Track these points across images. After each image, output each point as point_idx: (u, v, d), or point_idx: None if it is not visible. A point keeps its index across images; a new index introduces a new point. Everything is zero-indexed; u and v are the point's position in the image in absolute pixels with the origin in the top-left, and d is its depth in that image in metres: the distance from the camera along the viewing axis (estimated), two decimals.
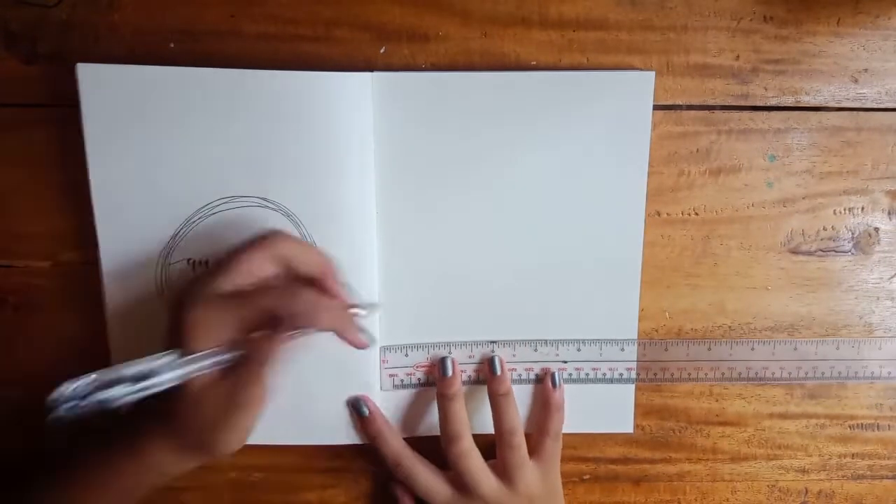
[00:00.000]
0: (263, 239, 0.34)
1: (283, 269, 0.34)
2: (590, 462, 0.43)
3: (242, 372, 0.33)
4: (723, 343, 0.42)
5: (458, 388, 0.40)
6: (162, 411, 0.33)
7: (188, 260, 0.38)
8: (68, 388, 0.25)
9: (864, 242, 0.42)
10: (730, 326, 0.42)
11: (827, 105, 0.40)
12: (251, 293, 0.33)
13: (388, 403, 0.41)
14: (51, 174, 0.39)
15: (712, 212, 0.41)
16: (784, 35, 0.40)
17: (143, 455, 0.33)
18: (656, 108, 0.39)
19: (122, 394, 0.26)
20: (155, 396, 0.31)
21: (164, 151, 0.37)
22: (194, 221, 0.38)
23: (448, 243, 0.40)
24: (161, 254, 0.38)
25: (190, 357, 0.31)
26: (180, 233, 0.38)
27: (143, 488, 0.35)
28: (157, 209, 0.38)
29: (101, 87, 0.36)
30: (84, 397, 0.25)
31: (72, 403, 0.25)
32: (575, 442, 0.43)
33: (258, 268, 0.34)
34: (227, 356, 0.33)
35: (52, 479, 0.34)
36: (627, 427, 0.42)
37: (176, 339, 0.32)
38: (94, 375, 0.26)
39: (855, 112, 0.40)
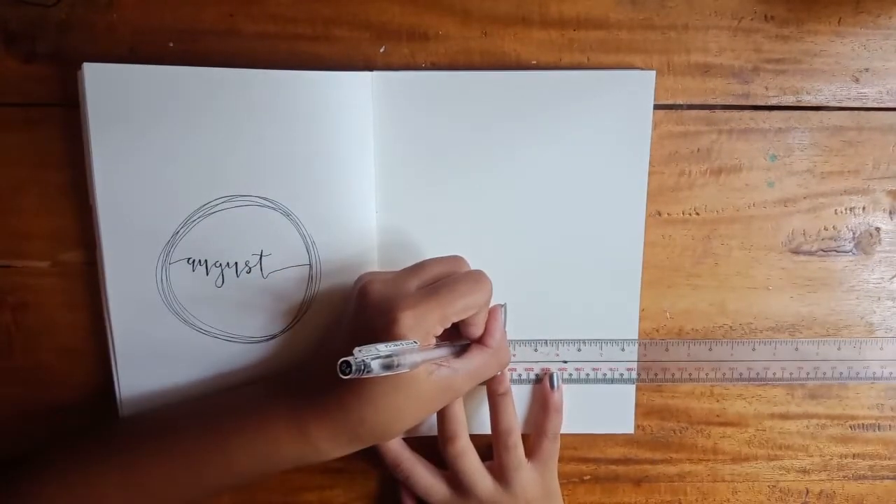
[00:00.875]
0: (483, 277, 0.35)
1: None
2: (590, 462, 0.43)
3: (477, 366, 0.35)
4: (724, 343, 0.42)
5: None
6: (332, 400, 0.33)
7: (188, 259, 0.38)
8: (359, 355, 0.27)
9: (866, 242, 0.42)
10: (731, 326, 0.42)
11: (828, 104, 0.40)
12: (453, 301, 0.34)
13: None
14: (49, 174, 0.39)
15: (713, 212, 0.41)
16: (785, 34, 0.39)
17: (306, 436, 0.34)
18: (657, 107, 0.39)
19: (376, 370, 0.28)
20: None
21: (165, 150, 0.37)
22: (194, 220, 0.38)
23: (448, 243, 0.40)
24: (161, 252, 0.38)
25: (427, 346, 0.33)
26: (180, 231, 0.38)
27: (295, 464, 0.35)
28: (158, 207, 0.38)
29: (105, 86, 0.36)
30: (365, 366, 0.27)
31: (360, 366, 0.27)
32: (575, 442, 0.43)
33: (473, 304, 0.34)
34: (447, 349, 0.35)
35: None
36: (628, 427, 0.42)
37: (386, 337, 0.32)
38: (380, 348, 0.28)
39: (856, 111, 0.40)
